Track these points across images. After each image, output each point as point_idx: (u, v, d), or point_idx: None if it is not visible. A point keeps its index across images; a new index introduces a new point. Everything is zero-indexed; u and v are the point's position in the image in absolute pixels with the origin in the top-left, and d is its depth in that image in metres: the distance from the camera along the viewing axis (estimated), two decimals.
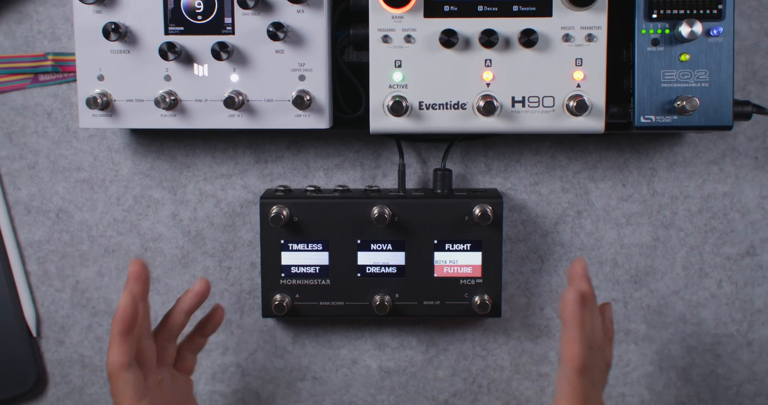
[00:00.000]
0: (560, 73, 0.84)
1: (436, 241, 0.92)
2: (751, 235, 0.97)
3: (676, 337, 0.98)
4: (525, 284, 0.98)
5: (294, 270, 0.92)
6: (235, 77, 0.85)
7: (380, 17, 0.83)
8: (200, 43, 0.84)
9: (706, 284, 0.97)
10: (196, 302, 0.86)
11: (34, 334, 0.97)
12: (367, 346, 0.99)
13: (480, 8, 0.83)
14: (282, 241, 0.92)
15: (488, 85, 0.84)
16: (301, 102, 0.83)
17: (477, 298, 0.92)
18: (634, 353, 0.98)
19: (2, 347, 0.96)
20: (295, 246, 0.92)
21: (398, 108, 0.83)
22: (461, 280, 0.92)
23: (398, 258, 0.92)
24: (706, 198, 0.96)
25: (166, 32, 0.84)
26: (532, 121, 0.84)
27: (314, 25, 0.84)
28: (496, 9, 0.83)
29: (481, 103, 0.83)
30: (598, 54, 0.84)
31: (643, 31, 0.84)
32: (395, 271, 0.92)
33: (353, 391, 0.99)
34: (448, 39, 0.82)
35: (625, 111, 0.87)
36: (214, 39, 0.84)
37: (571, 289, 0.78)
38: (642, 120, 0.85)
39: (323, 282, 0.92)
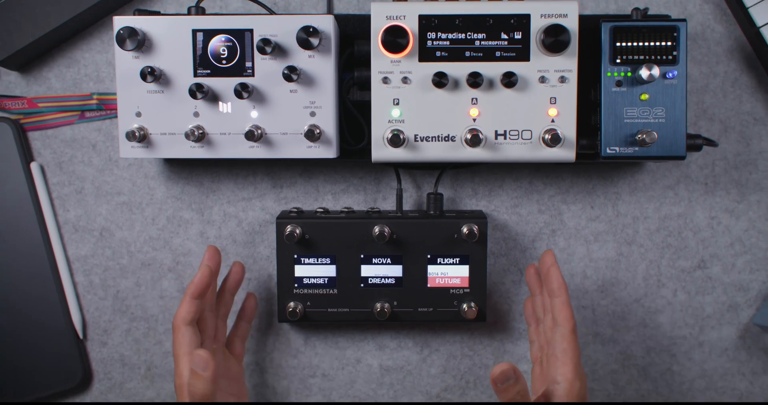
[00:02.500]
0: (537, 110, 0.83)
1: (429, 256, 0.90)
2: (701, 250, 0.95)
3: (637, 339, 0.96)
4: (506, 293, 0.96)
5: (306, 281, 0.91)
6: (254, 113, 0.84)
7: (381, 61, 0.83)
8: (224, 84, 0.83)
9: (663, 293, 0.96)
10: (236, 282, 0.90)
11: (81, 336, 0.96)
12: (369, 347, 0.97)
13: (467, 54, 0.82)
14: (295, 256, 0.90)
15: (474, 120, 0.83)
16: (312, 135, 0.83)
17: (465, 306, 0.90)
18: (600, 353, 0.96)
19: (53, 348, 0.95)
20: (306, 260, 0.91)
21: (396, 140, 0.82)
22: (451, 290, 0.91)
23: (396, 270, 0.91)
24: (663, 219, 0.95)
25: (195, 75, 0.84)
26: (513, 151, 0.84)
27: (323, 68, 0.83)
28: (481, 54, 0.82)
29: (469, 136, 0.82)
30: (569, 93, 0.83)
31: (609, 74, 0.83)
32: (394, 282, 0.91)
33: (357, 387, 0.97)
34: (440, 80, 0.81)
35: (593, 143, 0.86)
36: (236, 80, 0.83)
37: (554, 266, 0.84)
38: (608, 151, 0.84)
39: (331, 291, 0.91)
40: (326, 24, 0.82)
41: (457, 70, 0.82)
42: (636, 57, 0.83)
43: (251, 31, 0.83)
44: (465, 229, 0.89)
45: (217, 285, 0.90)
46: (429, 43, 0.82)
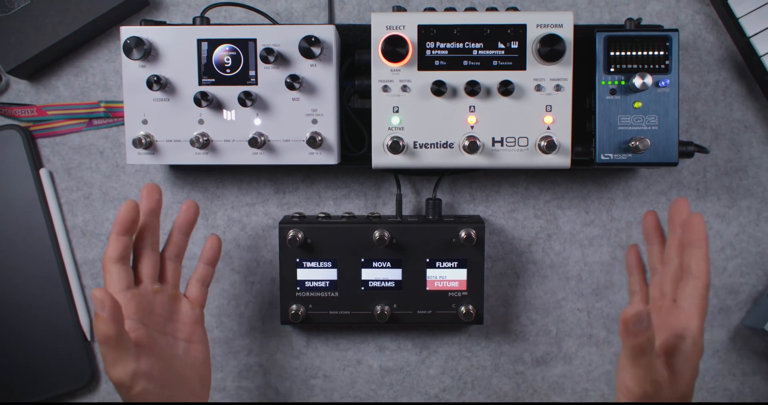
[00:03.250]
0: (533, 117, 0.82)
1: (428, 260, 0.90)
2: None
3: None
4: (503, 296, 0.96)
5: (308, 284, 0.90)
6: (258, 121, 0.83)
7: (381, 70, 0.82)
8: (228, 92, 0.83)
9: None
10: (187, 221, 0.85)
11: (89, 338, 0.95)
12: (370, 348, 0.97)
13: (465, 63, 0.82)
14: (297, 260, 0.90)
15: (472, 127, 0.83)
16: (314, 142, 0.82)
17: (463, 308, 0.90)
18: (595, 355, 0.96)
19: (61, 349, 0.94)
20: (308, 264, 0.90)
21: (396, 147, 0.82)
22: (449, 293, 0.90)
23: (396, 274, 0.90)
24: None
25: (200, 83, 0.83)
26: (510, 158, 0.83)
27: (325, 76, 0.82)
28: (479, 63, 0.82)
29: (466, 143, 0.82)
30: (564, 102, 0.82)
31: (603, 83, 0.83)
32: (393, 285, 0.90)
33: (358, 387, 0.97)
34: (438, 88, 0.81)
35: (587, 150, 0.85)
36: (240, 89, 0.83)
37: (698, 215, 0.76)
38: (602, 157, 0.83)
39: (332, 294, 0.90)
40: (328, 34, 0.82)
41: (456, 78, 0.82)
42: (629, 66, 0.82)
43: (254, 40, 0.82)
44: (463, 234, 0.88)
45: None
46: (428, 52, 0.82)
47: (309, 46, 0.80)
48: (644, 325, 0.67)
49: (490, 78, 0.82)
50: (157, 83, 0.81)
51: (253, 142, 0.82)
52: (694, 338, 0.75)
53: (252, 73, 0.83)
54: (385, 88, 0.82)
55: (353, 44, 0.87)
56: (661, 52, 0.82)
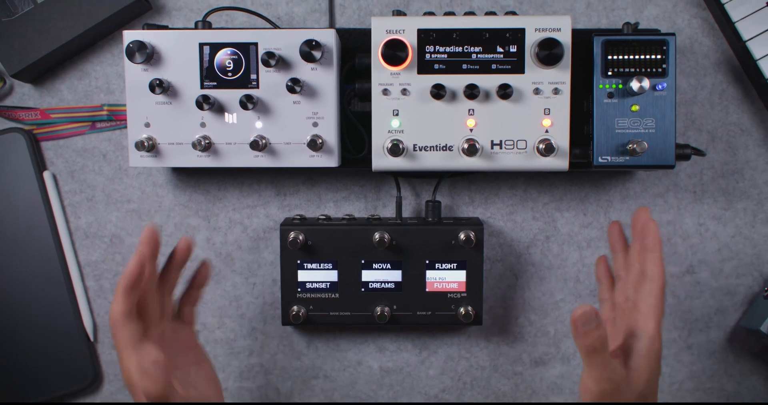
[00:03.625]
0: (531, 120, 0.82)
1: (427, 261, 0.90)
2: (690, 256, 0.95)
3: None
4: (502, 298, 0.96)
5: (308, 285, 0.90)
6: (259, 124, 0.83)
7: (381, 74, 0.82)
8: (230, 96, 0.83)
9: None
10: (183, 259, 0.84)
11: (92, 338, 0.95)
12: (370, 349, 0.97)
13: (464, 66, 0.82)
14: (298, 261, 0.90)
15: (471, 130, 0.83)
16: (315, 145, 0.82)
17: (462, 309, 0.89)
18: None
19: (65, 350, 0.94)
20: (309, 265, 0.90)
21: (396, 150, 0.82)
22: (449, 294, 0.90)
23: (396, 275, 0.90)
24: None
25: (202, 87, 0.83)
26: (508, 160, 0.83)
27: (325, 80, 0.83)
28: (478, 67, 0.82)
29: (466, 146, 0.82)
30: (563, 105, 0.82)
31: (601, 86, 0.83)
32: (393, 286, 0.90)
33: (358, 388, 0.97)
34: (438, 92, 0.81)
35: (585, 152, 0.85)
36: (241, 92, 0.83)
37: (652, 221, 0.78)
38: (600, 160, 0.83)
39: (333, 295, 0.90)
40: (328, 38, 0.82)
41: (455, 82, 0.82)
42: (627, 70, 0.82)
43: (256, 44, 0.82)
44: (462, 236, 0.88)
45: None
46: (427, 56, 0.82)
47: (310, 50, 0.80)
48: (593, 325, 0.68)
49: (489, 81, 0.82)
50: (159, 87, 0.81)
51: (255, 145, 0.82)
52: (650, 338, 0.75)
53: (253, 76, 0.83)
54: (385, 92, 0.82)
55: (353, 48, 0.87)
56: (658, 56, 0.82)
